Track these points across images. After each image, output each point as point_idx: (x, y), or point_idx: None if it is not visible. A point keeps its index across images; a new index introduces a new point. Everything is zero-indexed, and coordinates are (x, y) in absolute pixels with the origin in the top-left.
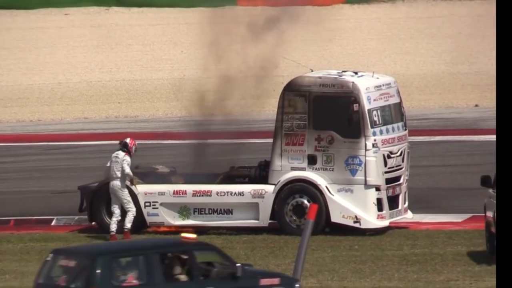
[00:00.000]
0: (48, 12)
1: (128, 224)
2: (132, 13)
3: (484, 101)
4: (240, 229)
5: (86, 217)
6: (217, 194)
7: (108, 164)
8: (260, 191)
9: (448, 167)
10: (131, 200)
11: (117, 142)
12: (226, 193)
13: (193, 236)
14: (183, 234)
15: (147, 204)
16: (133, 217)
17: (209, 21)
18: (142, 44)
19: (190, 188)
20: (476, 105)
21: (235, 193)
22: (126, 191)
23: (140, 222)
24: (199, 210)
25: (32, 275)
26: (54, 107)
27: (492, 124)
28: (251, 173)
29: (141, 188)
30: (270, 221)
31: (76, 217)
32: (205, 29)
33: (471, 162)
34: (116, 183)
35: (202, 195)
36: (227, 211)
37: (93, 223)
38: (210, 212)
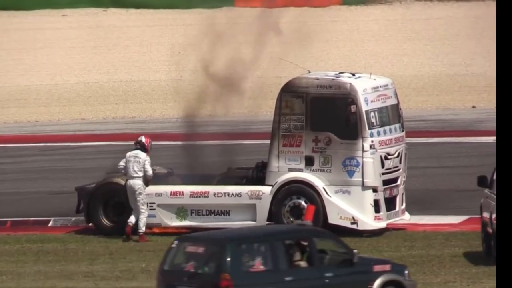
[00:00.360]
0: (45, 13)
1: (143, 228)
2: (129, 14)
3: (481, 103)
4: None
5: (83, 218)
6: (214, 195)
7: (123, 164)
8: (257, 192)
9: (445, 168)
10: (146, 202)
11: (114, 143)
12: (223, 194)
13: (310, 222)
14: (299, 221)
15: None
16: (145, 220)
17: (206, 23)
18: (140, 45)
19: (187, 189)
20: (473, 107)
21: (232, 194)
22: (145, 192)
23: (137, 223)
24: (197, 211)
25: (29, 276)
26: (52, 108)
27: (490, 125)
28: (248, 174)
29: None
30: (267, 222)
31: (73, 218)
32: (201, 30)
33: (469, 163)
34: (137, 182)
35: (199, 196)
36: (225, 212)
37: (90, 224)
38: (208, 213)
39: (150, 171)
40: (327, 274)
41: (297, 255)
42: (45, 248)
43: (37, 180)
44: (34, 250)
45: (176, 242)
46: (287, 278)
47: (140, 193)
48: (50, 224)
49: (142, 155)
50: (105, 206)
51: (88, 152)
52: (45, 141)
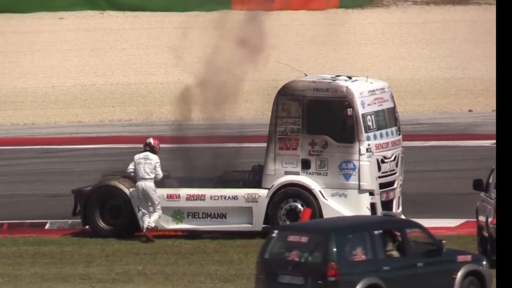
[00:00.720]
0: (42, 16)
1: (152, 223)
2: (126, 17)
3: (478, 106)
4: (234, 233)
5: (79, 220)
6: (210, 198)
7: (132, 167)
8: (254, 195)
9: (442, 172)
10: (159, 201)
11: (110, 146)
12: (220, 197)
13: (396, 212)
14: (385, 212)
15: (140, 208)
16: (158, 218)
17: (203, 25)
18: (136, 48)
19: (183, 192)
20: (470, 110)
21: (228, 197)
22: (157, 192)
23: (133, 226)
24: (193, 214)
25: (26, 279)
26: (48, 110)
27: (486, 129)
28: (245, 177)
29: (135, 192)
30: (263, 225)
31: (70, 221)
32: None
33: (465, 167)
34: (149, 183)
35: (196, 199)
36: (221, 215)
37: (87, 226)
38: (204, 216)
39: (161, 173)
40: (418, 264)
41: (390, 245)
42: (42, 250)
43: (34, 182)
44: (30, 253)
45: (276, 231)
46: (385, 268)
47: (154, 193)
48: (46, 227)
49: (153, 157)
50: (102, 209)
51: (85, 155)
52: (41, 144)
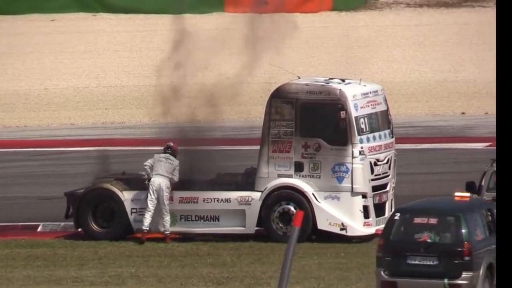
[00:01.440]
0: (35, 18)
1: (168, 227)
2: (119, 19)
3: (470, 109)
4: (227, 236)
5: (72, 223)
6: (203, 200)
7: (150, 162)
8: (247, 198)
9: (435, 174)
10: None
11: (103, 148)
12: (213, 200)
13: (467, 194)
14: (458, 193)
15: (133, 210)
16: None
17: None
18: (129, 51)
19: (176, 194)
20: (463, 113)
21: (221, 200)
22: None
23: (126, 228)
24: (186, 217)
25: (18, 281)
26: (41, 113)
27: (479, 131)
28: (238, 180)
29: (127, 195)
30: (256, 228)
31: (62, 223)
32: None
33: (458, 170)
34: (166, 181)
35: (189, 202)
36: (214, 218)
37: (79, 229)
38: (197, 218)
39: (177, 177)
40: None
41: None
42: (34, 253)
43: (26, 185)
44: (23, 255)
45: (398, 214)
46: (492, 246)
47: (168, 192)
48: (39, 229)
49: (175, 159)
50: (94, 211)
51: (78, 157)
52: (34, 146)
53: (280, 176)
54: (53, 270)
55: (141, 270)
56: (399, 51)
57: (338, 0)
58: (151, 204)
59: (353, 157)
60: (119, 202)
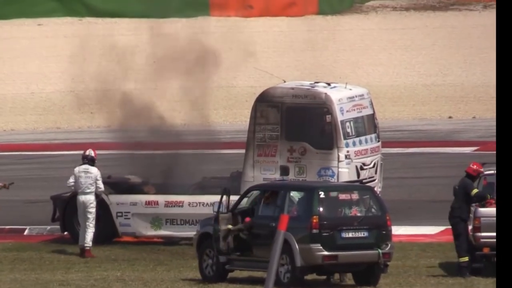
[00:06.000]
0: (21, 22)
1: (90, 242)
2: (105, 23)
3: (458, 113)
4: None
5: (58, 227)
6: (189, 204)
7: (72, 180)
8: (232, 202)
9: (422, 179)
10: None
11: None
12: (198, 204)
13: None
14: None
15: (119, 214)
16: (92, 235)
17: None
18: (115, 55)
19: (162, 198)
20: (450, 117)
21: (207, 203)
22: (95, 208)
23: (112, 232)
24: (171, 221)
25: (5, 285)
26: (27, 116)
27: (466, 136)
28: (223, 183)
29: (113, 199)
30: None
31: (49, 227)
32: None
33: (445, 174)
34: (89, 197)
35: (174, 206)
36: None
37: (65, 233)
38: (182, 222)
39: (102, 187)
40: None
41: None
42: (21, 256)
43: (13, 188)
44: (9, 259)
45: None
46: None
47: (92, 208)
48: (25, 233)
49: (93, 169)
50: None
51: (64, 161)
52: (20, 150)
53: (265, 180)
54: (40, 273)
55: (127, 273)
56: (385, 54)
57: (324, 3)
58: (81, 221)
59: (339, 161)
60: (105, 206)
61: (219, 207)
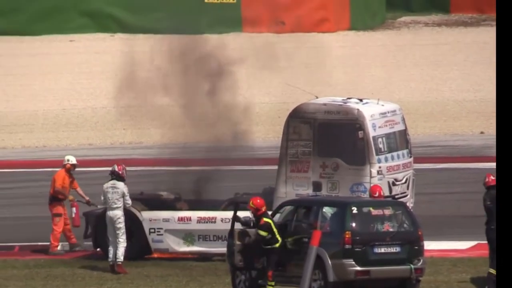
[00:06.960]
0: (53, 38)
1: (121, 257)
2: (136, 39)
3: (489, 129)
4: None
5: (91, 243)
6: (221, 220)
7: (102, 197)
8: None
9: (453, 194)
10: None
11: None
12: (231, 220)
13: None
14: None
15: (151, 230)
16: (124, 250)
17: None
18: (148, 70)
19: (194, 214)
20: (482, 132)
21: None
22: (123, 223)
23: (144, 248)
24: (204, 237)
25: None
26: (59, 133)
27: None
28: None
29: (146, 215)
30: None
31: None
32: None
33: (477, 189)
34: (116, 212)
35: (207, 222)
36: None
37: (98, 249)
38: (215, 238)
39: (129, 201)
40: None
41: None
42: (53, 272)
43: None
44: (42, 275)
45: None
46: None
47: (120, 223)
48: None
49: (120, 184)
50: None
51: (96, 177)
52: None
53: (298, 195)
54: None
55: None
56: (417, 70)
57: (356, 19)
58: (110, 237)
59: (371, 176)
60: (138, 222)
61: (233, 223)
